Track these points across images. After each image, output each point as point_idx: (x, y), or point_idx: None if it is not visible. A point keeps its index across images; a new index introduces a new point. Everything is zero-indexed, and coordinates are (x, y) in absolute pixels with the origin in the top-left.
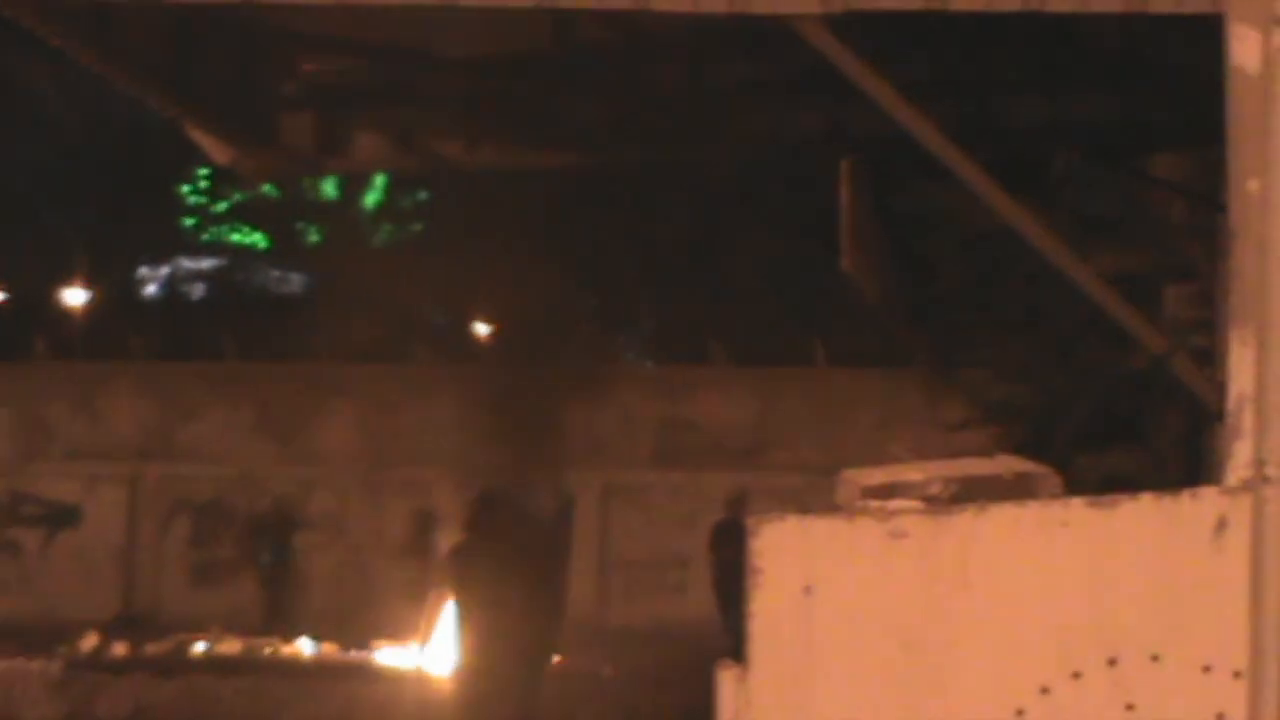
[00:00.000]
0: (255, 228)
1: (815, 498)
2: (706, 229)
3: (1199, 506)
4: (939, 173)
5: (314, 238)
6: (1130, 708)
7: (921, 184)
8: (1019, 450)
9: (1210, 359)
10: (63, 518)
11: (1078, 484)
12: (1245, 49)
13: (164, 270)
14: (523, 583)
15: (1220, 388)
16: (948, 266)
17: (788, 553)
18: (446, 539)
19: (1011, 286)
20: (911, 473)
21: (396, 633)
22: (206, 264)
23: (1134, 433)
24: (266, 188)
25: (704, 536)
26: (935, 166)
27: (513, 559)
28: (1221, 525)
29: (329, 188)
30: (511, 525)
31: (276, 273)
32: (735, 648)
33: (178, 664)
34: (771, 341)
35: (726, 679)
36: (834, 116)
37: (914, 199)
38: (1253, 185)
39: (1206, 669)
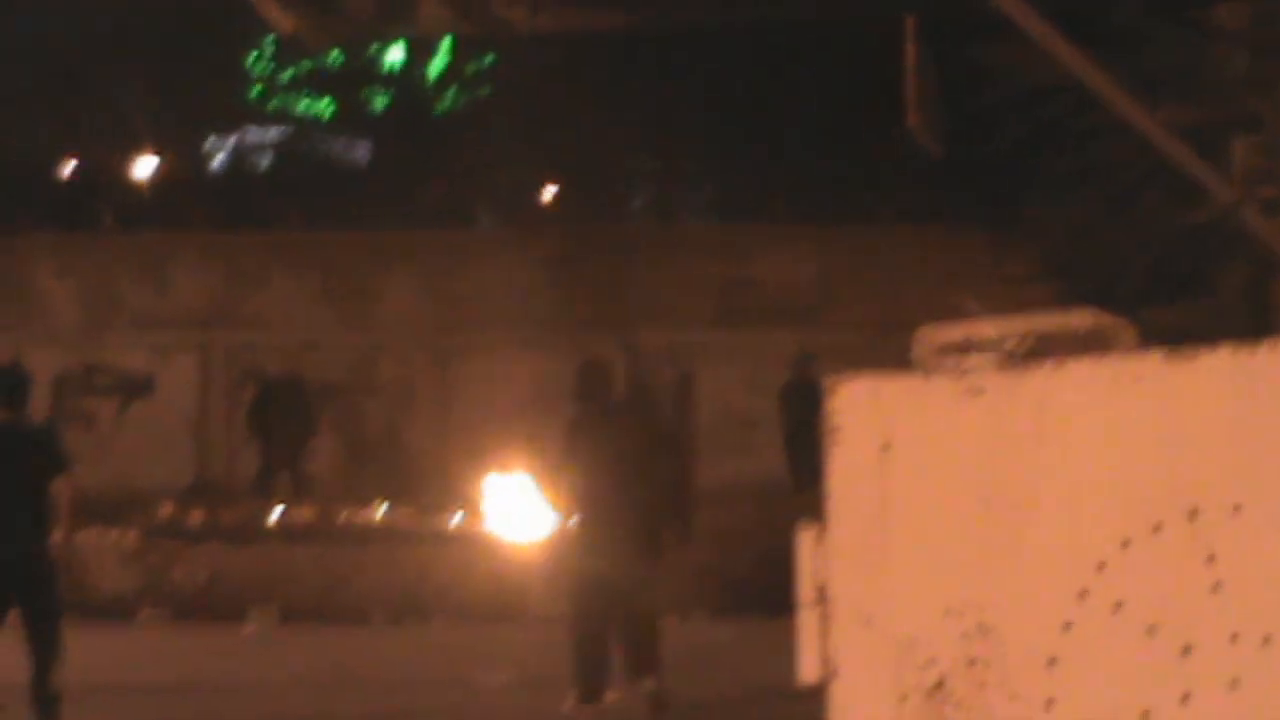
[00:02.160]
0: (320, 96)
1: (881, 355)
2: (768, 88)
3: (1276, 357)
4: (1002, 27)
5: (379, 105)
6: (1211, 559)
7: (984, 39)
8: (1085, 303)
9: (1278, 209)
10: (136, 387)
11: (1144, 337)
12: None
13: (230, 140)
14: (638, 451)
15: None
16: (1010, 122)
17: (864, 411)
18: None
19: (1074, 141)
20: (986, 328)
21: (467, 499)
22: (272, 133)
23: (1198, 286)
24: (331, 55)
25: (769, 397)
26: (998, 21)
27: (629, 427)
28: None
29: (394, 55)
30: (623, 394)
31: (342, 141)
32: (808, 507)
33: (252, 532)
34: (834, 199)
35: (806, 538)
36: None
37: (977, 54)
38: None
39: None
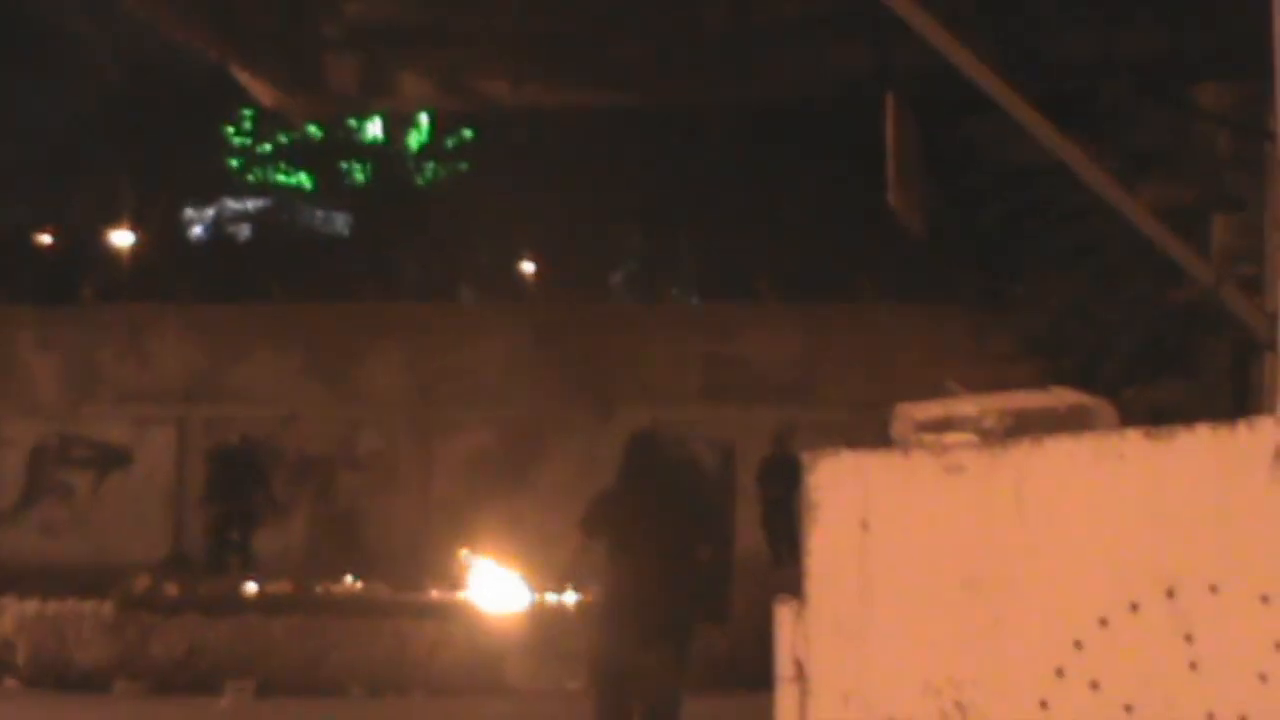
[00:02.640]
0: (300, 168)
1: (863, 432)
2: (752, 166)
3: (1255, 436)
4: (985, 107)
5: (359, 178)
6: (1189, 638)
7: (967, 118)
8: (1067, 383)
9: (1259, 288)
10: (113, 460)
11: (1127, 416)
12: None
13: (210, 212)
14: (678, 531)
15: (1271, 317)
16: (994, 201)
17: (844, 487)
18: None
19: (1058, 220)
20: (966, 406)
21: (445, 573)
22: (252, 205)
23: (1181, 364)
24: (311, 128)
25: (751, 472)
26: (981, 100)
27: (667, 503)
28: (1279, 455)
29: (374, 128)
30: (664, 469)
31: (321, 213)
32: (787, 583)
33: (229, 604)
34: (817, 278)
35: (784, 615)
36: (880, 51)
37: (960, 134)
38: None
39: (1265, 599)
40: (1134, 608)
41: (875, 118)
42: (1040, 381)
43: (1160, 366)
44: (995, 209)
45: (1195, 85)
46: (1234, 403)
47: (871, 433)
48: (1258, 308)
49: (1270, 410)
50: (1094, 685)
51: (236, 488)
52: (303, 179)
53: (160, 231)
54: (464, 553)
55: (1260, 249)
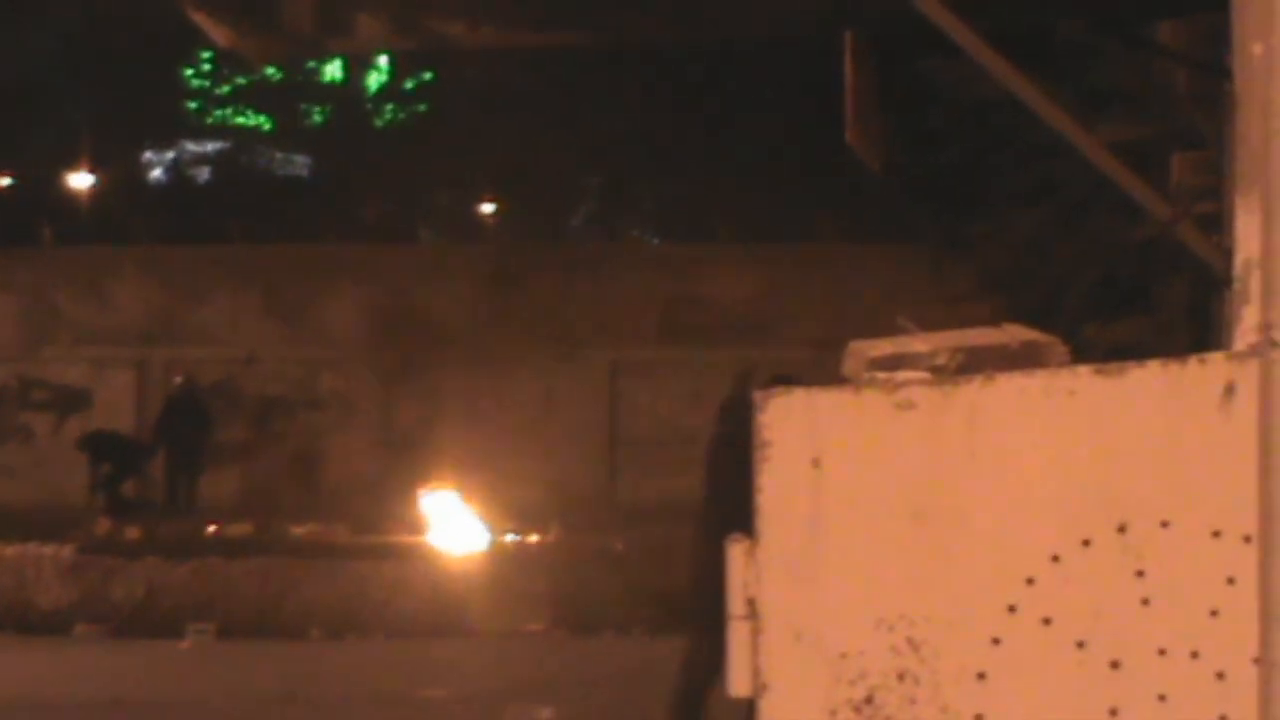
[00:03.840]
0: (259, 110)
1: (823, 372)
2: (710, 105)
3: (1206, 372)
4: (943, 45)
5: (318, 120)
6: (1140, 573)
7: (926, 56)
8: (1025, 321)
9: (1218, 225)
10: (72, 402)
11: (1085, 353)
12: None
13: (169, 154)
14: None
15: (1227, 254)
16: (953, 140)
17: (795, 425)
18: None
19: (1017, 159)
20: (918, 343)
21: (405, 514)
22: (211, 147)
23: (1140, 302)
24: (270, 70)
25: (711, 412)
26: (939, 38)
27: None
28: (1229, 391)
29: (333, 70)
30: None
31: (281, 155)
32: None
33: (189, 546)
34: (777, 217)
35: (736, 552)
36: None
37: (919, 72)
38: (1257, 49)
39: (1216, 534)
40: (1085, 543)
41: (833, 57)
42: (998, 320)
43: (1119, 304)
44: (954, 147)
45: (1153, 22)
46: (1192, 340)
47: (830, 372)
48: (1215, 245)
49: (1224, 348)
50: (1046, 621)
51: (180, 431)
52: (262, 121)
53: (119, 174)
54: (424, 493)
55: (1218, 187)
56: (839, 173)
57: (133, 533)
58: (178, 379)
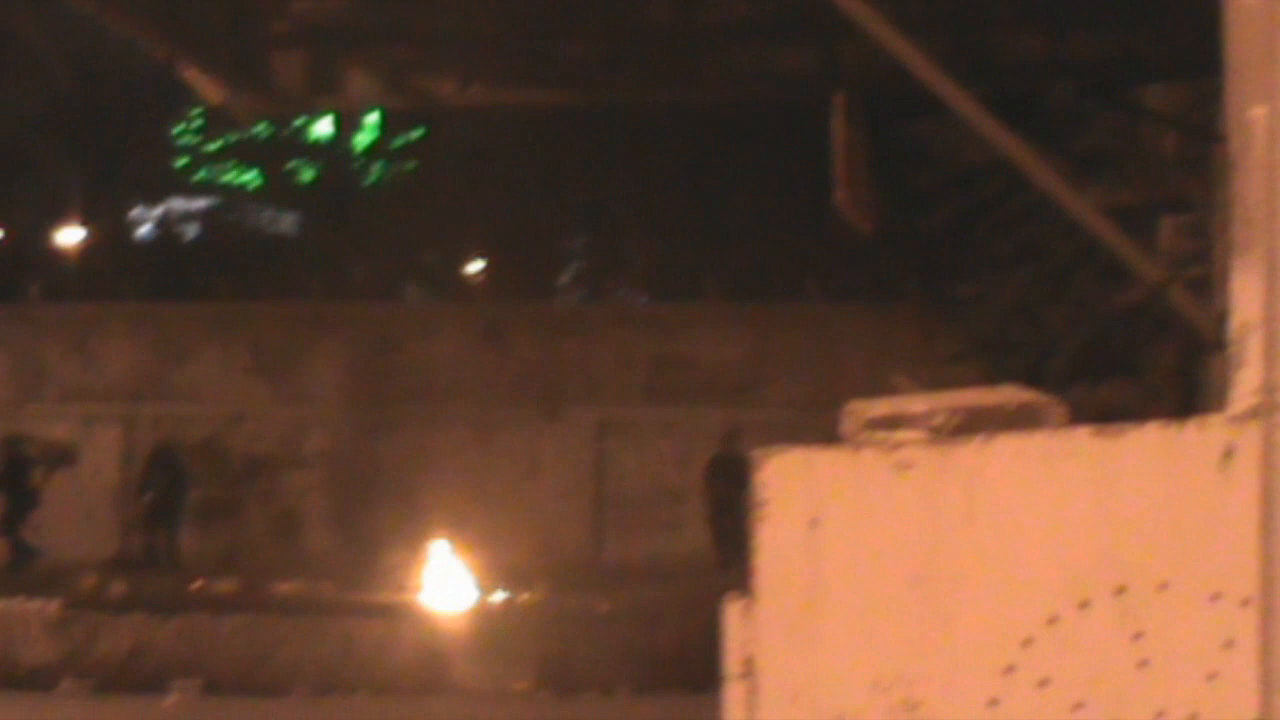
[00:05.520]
0: (248, 167)
1: (809, 433)
2: (699, 166)
3: (1205, 435)
4: (933, 108)
5: (307, 177)
6: (1138, 636)
7: (915, 119)
8: (1013, 383)
9: (1206, 289)
10: (59, 458)
11: (1075, 416)
12: None
13: (157, 211)
14: None
15: (1220, 317)
16: (941, 202)
17: (793, 485)
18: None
19: (1005, 221)
20: (916, 404)
21: (391, 572)
22: (199, 204)
23: (1127, 365)
24: (259, 127)
25: (698, 473)
26: (929, 101)
27: None
28: (1229, 453)
29: (322, 127)
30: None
31: (269, 212)
32: (734, 582)
33: (175, 603)
34: (764, 278)
35: (733, 612)
36: (827, 52)
37: (908, 134)
38: (1257, 112)
39: (1215, 597)
40: (1083, 605)
41: (823, 118)
42: (987, 382)
43: (1106, 367)
44: (943, 209)
45: (1142, 87)
46: (1180, 403)
47: (818, 433)
48: (1205, 309)
49: (1218, 410)
50: (1043, 683)
51: (160, 488)
52: (250, 178)
53: (107, 231)
54: (410, 552)
55: (1208, 251)
56: (827, 234)
57: (119, 588)
58: (159, 438)
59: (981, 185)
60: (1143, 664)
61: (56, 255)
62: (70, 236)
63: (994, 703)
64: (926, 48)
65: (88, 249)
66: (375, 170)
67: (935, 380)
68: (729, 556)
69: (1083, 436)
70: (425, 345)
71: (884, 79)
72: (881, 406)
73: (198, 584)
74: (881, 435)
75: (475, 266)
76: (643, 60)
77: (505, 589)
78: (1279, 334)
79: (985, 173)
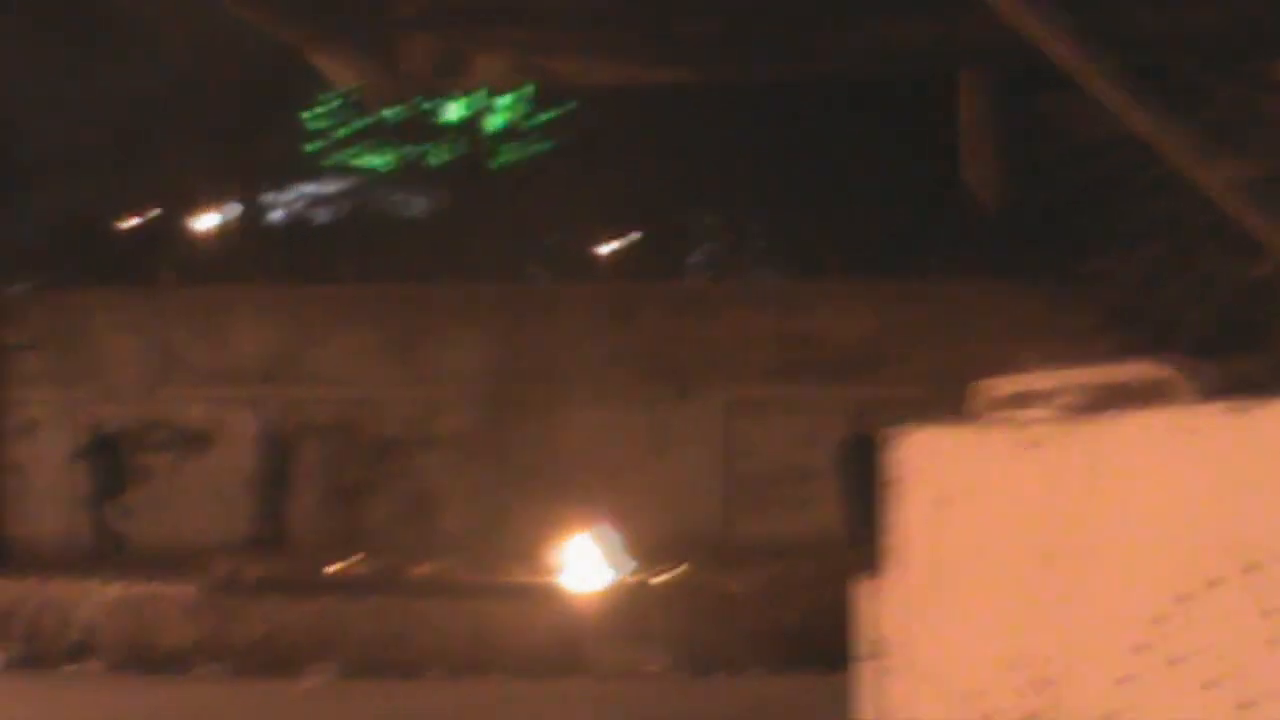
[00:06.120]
0: (380, 151)
1: (937, 409)
2: (824, 141)
3: None
4: (1059, 81)
5: (438, 160)
6: (1269, 613)
7: (1041, 93)
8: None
9: None
10: (192, 442)
11: (1203, 391)
12: None
13: (289, 195)
14: None
15: None
16: (1068, 175)
17: (921, 463)
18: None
19: (1132, 195)
20: (1043, 381)
21: (523, 552)
22: (331, 188)
23: (1257, 339)
24: (390, 111)
25: (826, 451)
26: (1055, 75)
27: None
28: None
29: (453, 110)
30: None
31: (400, 196)
32: (864, 560)
33: (310, 586)
34: (890, 254)
35: (863, 592)
36: (950, 25)
37: (1033, 108)
38: None
39: None
40: (1213, 583)
41: (947, 92)
42: (1115, 357)
43: (1235, 341)
44: (1069, 183)
45: (1268, 60)
46: None
47: (946, 409)
48: None
49: None
50: (1174, 661)
51: (281, 472)
52: (381, 161)
53: (239, 215)
54: (542, 532)
55: None
56: (953, 208)
57: (253, 572)
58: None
59: (1108, 159)
60: (1273, 642)
61: (188, 239)
62: (202, 220)
63: (1125, 681)
64: (1052, 20)
65: (219, 233)
66: (507, 151)
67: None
68: (859, 535)
69: (1212, 412)
70: (555, 325)
71: (1008, 52)
72: (1009, 384)
73: (332, 567)
74: (1010, 413)
75: (604, 247)
76: (764, 36)
77: (637, 569)
78: None
79: (1112, 146)
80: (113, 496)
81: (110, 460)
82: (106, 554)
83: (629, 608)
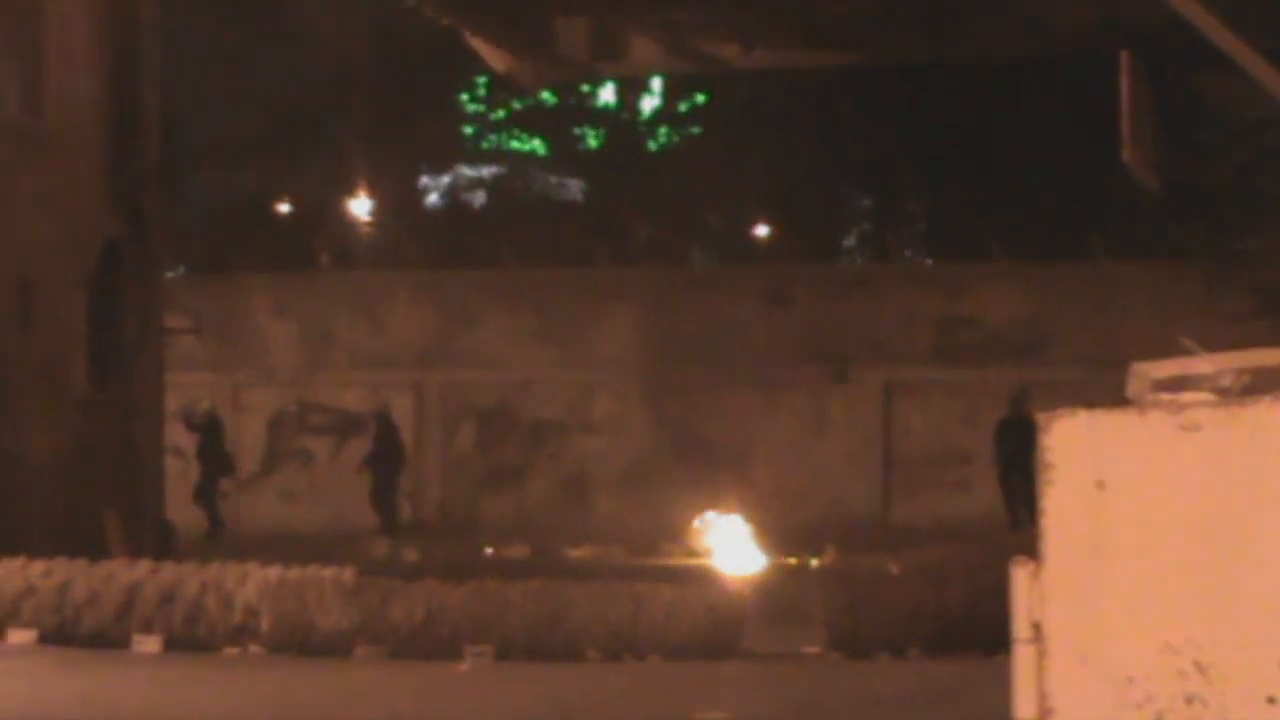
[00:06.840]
0: (534, 134)
1: (1096, 391)
2: (982, 123)
3: None
4: (1217, 61)
5: (593, 144)
6: None
7: (1199, 73)
8: None
9: None
10: (350, 426)
11: None
12: None
13: (444, 179)
14: None
15: None
16: (1226, 155)
17: (1079, 447)
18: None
19: None
20: (1202, 364)
21: (680, 535)
22: (486, 172)
23: None
24: (545, 94)
25: (985, 433)
26: (1213, 55)
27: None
28: None
29: (607, 93)
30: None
31: (555, 179)
32: (1023, 543)
33: (467, 568)
34: (1049, 235)
35: (1021, 575)
36: (1111, 6)
37: (1192, 88)
38: None
39: None
40: None
41: (1104, 72)
42: (1275, 339)
43: None
44: (1227, 163)
45: None
46: None
47: (1104, 391)
48: None
49: None
50: None
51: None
52: (536, 145)
53: (395, 199)
54: (700, 515)
55: None
56: (1111, 189)
57: (411, 555)
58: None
59: (1266, 138)
60: None
61: (346, 224)
62: (359, 205)
63: None
64: (1208, 1)
65: (376, 217)
66: (661, 135)
67: (1224, 338)
68: (1019, 517)
69: None
70: (711, 308)
71: (1166, 33)
72: (1167, 367)
73: (489, 550)
74: (1168, 397)
75: (760, 229)
76: (922, 17)
77: (795, 551)
78: None
79: (1270, 126)
80: (218, 477)
81: (214, 439)
82: (213, 534)
83: (787, 589)
